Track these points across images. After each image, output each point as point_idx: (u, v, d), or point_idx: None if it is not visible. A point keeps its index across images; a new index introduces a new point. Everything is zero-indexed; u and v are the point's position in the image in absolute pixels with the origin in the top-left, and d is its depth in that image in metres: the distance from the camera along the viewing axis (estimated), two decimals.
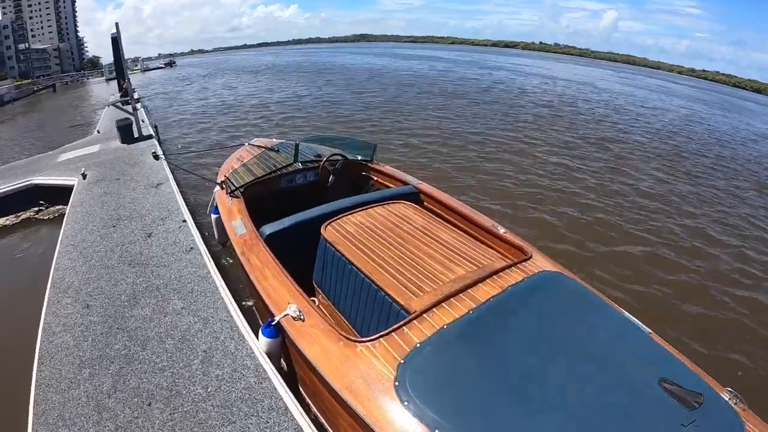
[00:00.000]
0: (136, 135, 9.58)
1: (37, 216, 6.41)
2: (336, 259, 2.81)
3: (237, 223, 3.61)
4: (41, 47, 73.65)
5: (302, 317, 2.46)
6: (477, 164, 9.19)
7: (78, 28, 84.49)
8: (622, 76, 48.83)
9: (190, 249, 4.33)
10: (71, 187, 6.51)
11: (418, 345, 1.99)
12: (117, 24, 9.24)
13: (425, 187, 4.32)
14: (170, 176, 6.54)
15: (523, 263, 2.63)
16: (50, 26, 77.74)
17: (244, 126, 12.42)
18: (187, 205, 5.45)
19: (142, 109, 12.22)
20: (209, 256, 4.19)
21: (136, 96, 18.95)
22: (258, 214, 3.81)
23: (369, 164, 5.08)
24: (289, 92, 19.76)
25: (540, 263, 2.69)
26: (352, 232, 2.94)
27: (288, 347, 2.70)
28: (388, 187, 4.73)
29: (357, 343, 2.14)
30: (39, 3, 76.23)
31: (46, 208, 6.59)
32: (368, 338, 2.13)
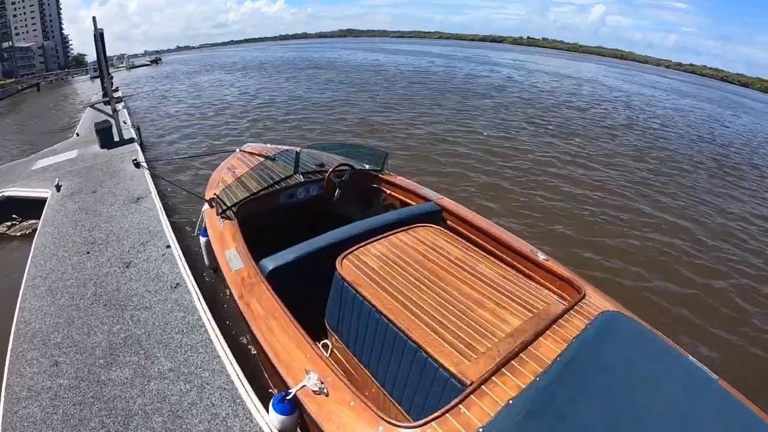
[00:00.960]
0: (116, 138, 8.86)
1: (8, 232, 5.73)
2: (357, 303, 2.32)
3: (231, 254, 3.01)
4: (25, 45, 71.99)
5: (325, 390, 1.94)
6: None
7: (63, 26, 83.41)
8: (621, 73, 48.73)
9: (176, 285, 3.69)
10: (44, 200, 5.82)
11: (481, 431, 1.58)
12: (94, 18, 8.50)
13: (447, 203, 3.80)
14: (152, 188, 5.86)
15: (581, 303, 2.27)
16: (34, 24, 76.13)
17: (233, 128, 11.61)
18: (171, 225, 4.79)
19: (124, 110, 11.39)
20: (200, 295, 3.55)
21: (119, 94, 18.15)
22: (254, 234, 3.39)
23: (380, 175, 4.51)
24: (285, 92, 18.83)
25: (596, 300, 2.34)
26: (374, 268, 2.45)
27: (309, 426, 2.12)
28: (402, 201, 4.24)
29: (403, 430, 1.69)
30: (23, 1, 74.57)
31: (20, 222, 5.91)
32: (417, 424, 1.68)
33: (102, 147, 8.58)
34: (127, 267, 4.00)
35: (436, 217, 3.60)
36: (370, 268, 2.46)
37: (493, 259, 2.70)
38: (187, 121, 12.47)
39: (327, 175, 4.10)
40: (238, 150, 5.13)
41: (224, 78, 26.31)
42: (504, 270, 2.55)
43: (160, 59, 61.60)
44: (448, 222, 3.64)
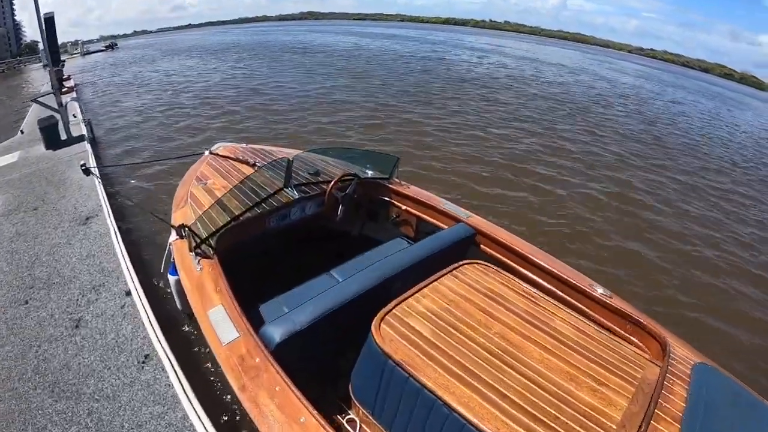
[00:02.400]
0: (63, 137, 7.64)
1: None
2: (411, 389, 1.72)
3: (218, 314, 2.14)
4: None
5: None
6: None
7: (15, 12, 77.48)
8: (600, 60, 48.72)
9: (144, 358, 2.72)
10: None
11: None
12: (36, 1, 7.21)
13: (480, 223, 3.16)
14: (105, 203, 4.74)
15: (670, 360, 1.94)
16: None
17: (199, 123, 10.14)
18: (129, 256, 3.75)
19: (75, 102, 9.95)
20: (179, 372, 2.58)
21: (71, 83, 16.38)
22: (236, 263, 2.71)
23: (388, 184, 3.72)
24: (259, 79, 17.23)
25: (681, 352, 2.05)
26: (425, 336, 1.85)
27: None
28: (418, 218, 3.55)
29: None
30: None
31: None
32: None
33: (47, 147, 7.35)
34: (77, 326, 3.01)
35: (469, 242, 2.99)
36: (418, 335, 1.84)
37: (556, 304, 2.15)
38: (147, 115, 10.88)
39: (329, 188, 3.30)
40: (207, 152, 4.19)
41: (188, 64, 24.39)
42: (577, 320, 2.06)
43: (116, 44, 57.91)
44: (482, 246, 3.05)
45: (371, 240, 3.98)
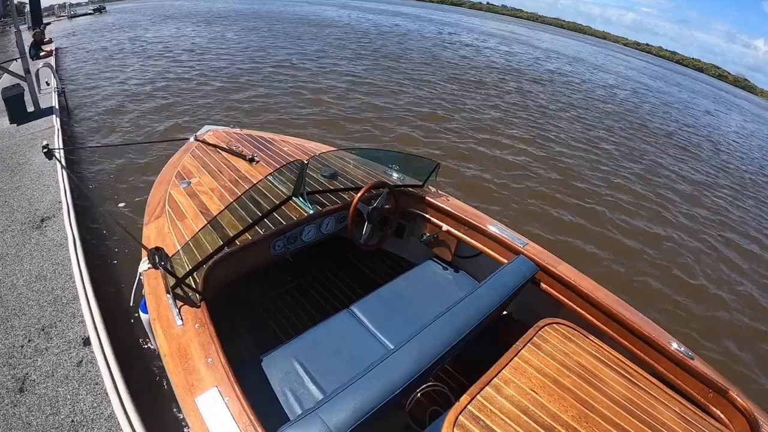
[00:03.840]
0: (30, 109, 6.52)
1: None
2: None
3: (210, 403, 1.45)
4: None
5: None
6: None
7: None
8: (610, 54, 47.36)
9: None
10: None
11: None
12: None
13: (538, 253, 2.49)
14: (65, 200, 3.70)
15: None
16: None
17: (190, 99, 8.73)
18: (92, 282, 2.78)
19: (48, 68, 8.72)
20: None
21: (52, 47, 15.01)
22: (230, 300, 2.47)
23: (422, 194, 2.94)
24: (264, 53, 15.87)
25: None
26: None
27: None
28: (460, 239, 2.80)
29: None
30: None
31: None
32: None
33: (11, 121, 6.25)
34: (21, 390, 2.11)
35: (528, 281, 2.33)
36: None
37: (653, 381, 1.68)
38: (131, 86, 9.43)
39: (354, 201, 2.49)
40: (193, 138, 3.34)
41: (180, 32, 22.81)
42: (677, 403, 1.59)
43: (104, 8, 55.46)
44: (543, 285, 2.44)
45: (388, 253, 3.44)
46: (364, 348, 2.12)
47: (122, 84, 9.74)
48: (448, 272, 2.79)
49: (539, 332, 1.74)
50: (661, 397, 1.60)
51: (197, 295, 1.79)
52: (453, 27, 34.16)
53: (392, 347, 2.10)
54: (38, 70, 7.48)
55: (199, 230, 2.12)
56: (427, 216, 2.94)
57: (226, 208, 2.31)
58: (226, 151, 3.08)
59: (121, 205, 4.23)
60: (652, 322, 2.16)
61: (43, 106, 6.63)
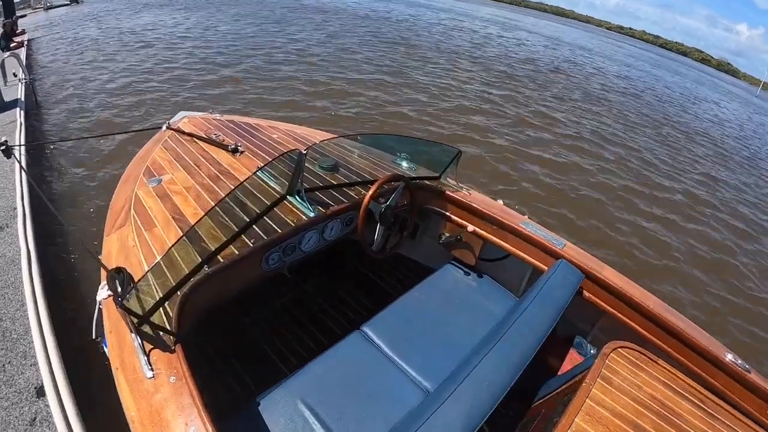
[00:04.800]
0: None
1: None
2: None
3: None
4: None
5: None
6: None
7: None
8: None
9: None
10: None
11: None
12: None
13: (579, 255, 2.12)
14: (22, 207, 3.14)
15: None
16: None
17: (169, 89, 8.07)
18: (49, 312, 2.26)
19: (13, 59, 7.99)
20: None
21: (24, 38, 14.22)
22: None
23: (441, 188, 2.50)
24: (256, 42, 15.13)
25: None
26: None
27: None
28: (486, 239, 2.38)
29: None
30: None
31: None
32: None
33: None
34: None
35: (574, 291, 1.92)
36: None
37: (730, 411, 1.38)
38: (106, 77, 8.65)
39: (365, 199, 2.03)
40: (165, 127, 2.82)
41: (163, 20, 21.85)
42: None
43: None
44: (585, 294, 2.07)
45: (397, 256, 2.97)
46: (385, 381, 1.71)
47: (96, 75, 9.07)
48: (471, 278, 2.41)
49: (607, 361, 1.43)
50: (740, 428, 1.35)
51: (171, 337, 1.33)
52: (442, 13, 33.50)
53: (416, 376, 1.76)
54: (4, 60, 6.87)
55: (172, 246, 1.64)
56: (447, 214, 2.51)
57: (206, 214, 1.83)
58: (204, 141, 2.58)
59: (91, 210, 3.70)
60: (702, 330, 1.88)
61: (7, 99, 6.01)
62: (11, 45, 11.19)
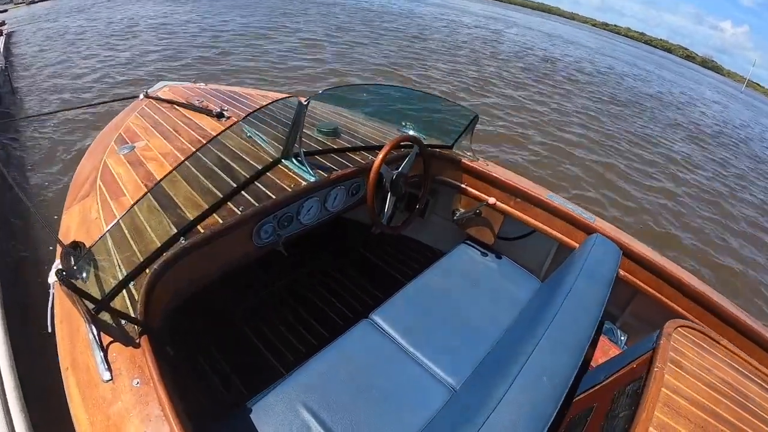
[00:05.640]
0: None
1: None
2: None
3: None
4: None
5: None
6: None
7: None
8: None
9: None
10: None
11: None
12: None
13: (611, 230, 1.90)
14: None
15: None
16: None
17: (153, 72, 7.90)
18: (1, 300, 1.94)
19: None
20: None
21: (5, 29, 13.74)
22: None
23: (455, 158, 2.25)
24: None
25: None
26: None
27: None
28: (507, 215, 2.14)
29: None
30: None
31: None
32: None
33: None
34: None
35: (617, 266, 1.66)
36: None
37: None
38: (85, 66, 8.36)
39: (375, 163, 1.76)
40: (142, 95, 2.54)
41: (147, 11, 21.23)
42: None
43: None
44: (621, 272, 1.81)
45: (402, 239, 2.75)
46: (402, 378, 1.44)
47: (74, 65, 8.70)
48: (489, 259, 2.16)
49: (672, 343, 1.21)
50: None
51: (135, 328, 1.03)
52: (427, 7, 33.31)
53: (438, 371, 1.50)
54: None
55: (135, 203, 1.36)
56: (463, 186, 2.25)
57: (176, 169, 1.54)
58: (185, 107, 2.28)
59: (59, 187, 3.39)
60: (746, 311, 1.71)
61: None
62: None
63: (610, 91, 13.41)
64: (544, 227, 2.04)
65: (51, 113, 4.78)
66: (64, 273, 0.96)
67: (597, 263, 1.57)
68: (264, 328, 2.08)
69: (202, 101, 2.39)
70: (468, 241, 2.24)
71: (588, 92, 11.94)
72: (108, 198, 1.52)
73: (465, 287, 1.91)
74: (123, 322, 1.05)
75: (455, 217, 2.25)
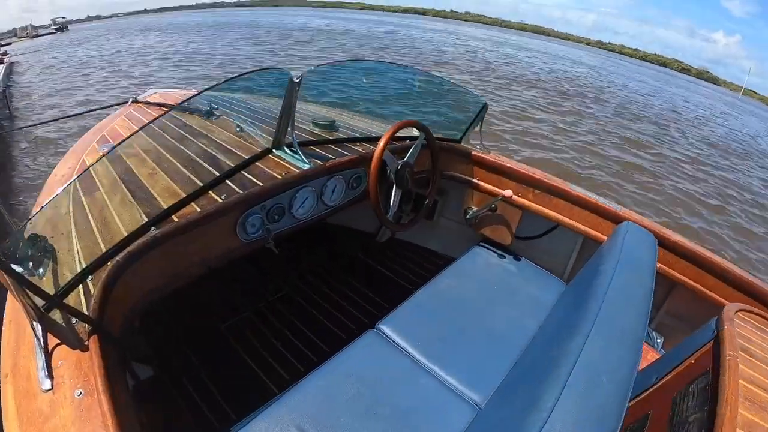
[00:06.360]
0: None
1: None
2: None
3: None
4: None
5: None
6: None
7: None
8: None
9: None
10: None
11: None
12: None
13: (640, 219, 1.75)
14: None
15: None
16: None
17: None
18: None
19: None
20: None
21: (7, 59, 13.94)
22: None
23: (467, 150, 2.08)
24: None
25: None
26: None
27: None
28: (528, 210, 1.95)
29: None
30: None
31: None
32: None
33: None
34: None
35: (656, 253, 1.38)
36: None
37: None
38: (80, 93, 8.51)
39: (378, 149, 1.59)
40: (131, 101, 2.45)
41: (143, 43, 21.50)
42: None
43: (67, 27, 54.13)
44: (658, 266, 1.48)
45: (408, 246, 2.54)
46: (416, 395, 1.24)
47: (70, 92, 8.74)
48: (507, 261, 1.93)
49: (737, 329, 1.04)
50: None
51: (86, 327, 0.87)
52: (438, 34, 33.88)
53: (458, 385, 1.28)
54: None
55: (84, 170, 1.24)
56: (475, 181, 2.07)
57: (157, 162, 1.38)
58: (174, 108, 2.15)
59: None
60: None
61: None
62: None
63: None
64: (568, 220, 1.84)
65: (42, 123, 4.72)
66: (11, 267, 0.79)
67: (634, 253, 1.35)
68: (255, 343, 1.83)
69: (192, 104, 2.26)
70: (483, 243, 2.06)
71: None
72: (81, 194, 1.37)
73: (482, 292, 1.71)
74: (74, 321, 0.88)
75: (467, 217, 2.06)
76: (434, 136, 1.91)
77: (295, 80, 1.42)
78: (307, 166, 1.48)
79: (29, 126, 4.67)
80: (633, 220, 1.65)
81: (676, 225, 4.58)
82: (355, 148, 1.77)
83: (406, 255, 2.49)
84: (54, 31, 49.29)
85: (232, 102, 2.39)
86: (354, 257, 2.45)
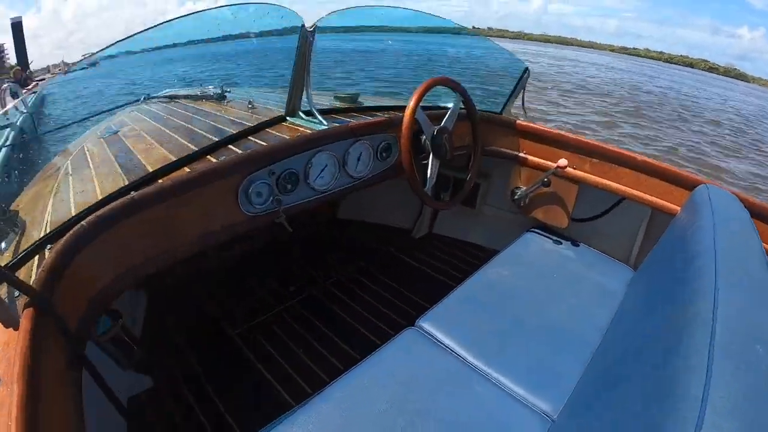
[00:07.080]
0: None
1: None
2: None
3: None
4: None
5: None
6: None
7: None
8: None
9: None
10: None
11: None
12: None
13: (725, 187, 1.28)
14: None
15: None
16: None
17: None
18: None
19: (9, 97, 7.94)
20: None
21: (37, 89, 14.65)
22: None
23: (510, 122, 1.82)
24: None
25: None
26: None
27: None
28: (588, 183, 1.64)
29: None
30: None
31: None
32: None
33: None
34: None
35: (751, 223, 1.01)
36: None
37: None
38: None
39: (411, 106, 1.34)
40: (143, 98, 2.28)
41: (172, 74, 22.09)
42: None
43: (98, 62, 57.45)
44: None
45: (444, 239, 2.28)
46: (468, 402, 0.98)
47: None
48: (564, 246, 1.66)
49: None
50: None
51: (25, 299, 0.69)
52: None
53: (522, 393, 1.02)
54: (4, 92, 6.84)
55: None
56: (522, 155, 1.78)
57: (156, 138, 1.21)
58: (185, 98, 1.98)
59: None
60: None
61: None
62: (22, 92, 11.80)
63: None
64: (634, 191, 1.54)
65: (62, 127, 4.71)
66: None
67: (727, 215, 1.05)
68: (271, 349, 1.59)
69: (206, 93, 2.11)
70: (534, 229, 1.77)
71: None
72: (70, 173, 1.20)
73: (539, 281, 1.44)
74: (17, 294, 0.69)
75: (515, 198, 1.79)
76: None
77: (309, 29, 1.21)
78: (325, 126, 1.24)
79: (51, 131, 4.66)
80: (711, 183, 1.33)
81: None
82: (407, 116, 1.52)
83: (446, 250, 2.22)
84: (86, 66, 52.07)
85: (244, 80, 2.25)
86: (388, 253, 2.19)
